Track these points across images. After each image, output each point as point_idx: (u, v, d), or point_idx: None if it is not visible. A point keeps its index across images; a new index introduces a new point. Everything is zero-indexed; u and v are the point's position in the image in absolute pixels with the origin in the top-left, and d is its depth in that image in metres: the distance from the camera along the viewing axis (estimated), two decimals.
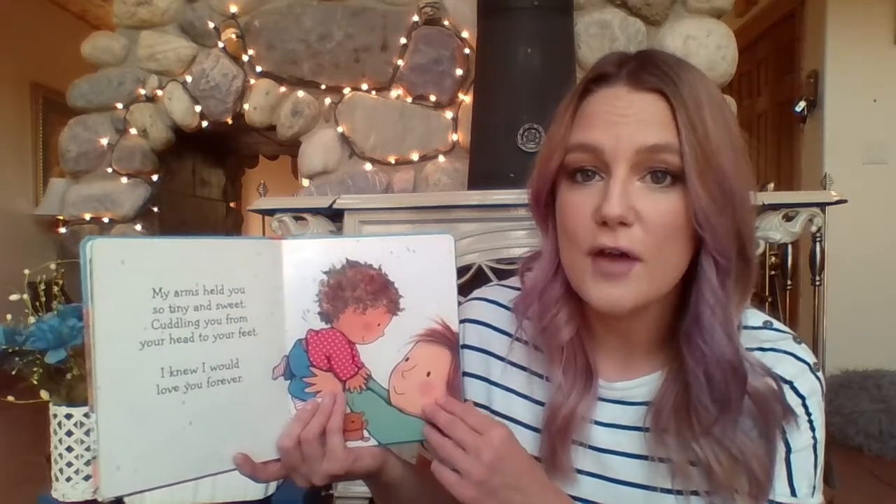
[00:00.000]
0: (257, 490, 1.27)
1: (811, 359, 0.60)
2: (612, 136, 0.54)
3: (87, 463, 1.18)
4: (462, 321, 0.71)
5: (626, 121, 0.54)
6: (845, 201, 1.58)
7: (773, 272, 1.82)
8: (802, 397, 0.59)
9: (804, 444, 0.59)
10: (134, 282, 0.53)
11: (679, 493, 0.59)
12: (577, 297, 0.61)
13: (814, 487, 0.59)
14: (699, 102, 0.54)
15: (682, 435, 0.57)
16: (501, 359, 0.69)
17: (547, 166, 0.60)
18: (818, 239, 1.63)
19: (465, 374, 0.69)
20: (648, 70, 0.55)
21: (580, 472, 0.63)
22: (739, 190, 0.55)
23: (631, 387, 0.63)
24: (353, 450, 0.62)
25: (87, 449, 1.17)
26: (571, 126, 0.58)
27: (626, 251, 0.54)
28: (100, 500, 0.53)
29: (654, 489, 0.61)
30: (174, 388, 0.55)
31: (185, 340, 0.55)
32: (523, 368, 0.67)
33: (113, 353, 0.52)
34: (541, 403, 0.65)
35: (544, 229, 0.64)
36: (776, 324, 0.63)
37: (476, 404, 0.67)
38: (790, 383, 0.59)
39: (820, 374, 0.60)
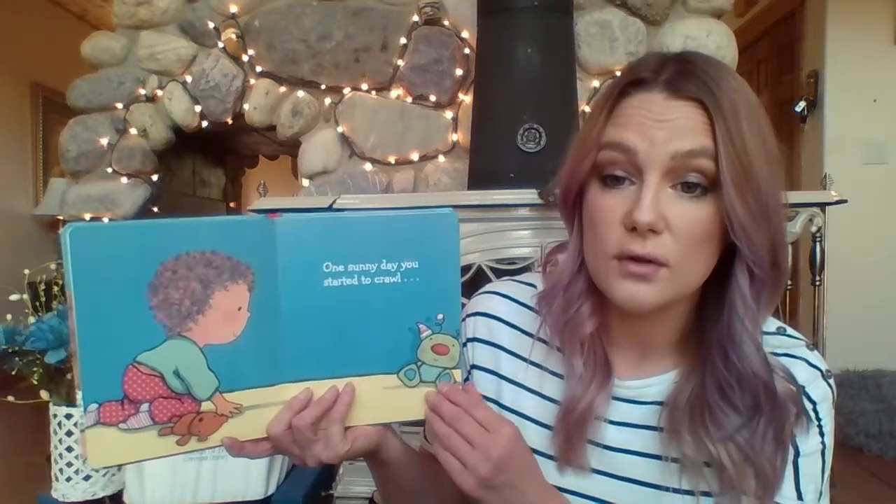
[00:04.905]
0: (257, 490, 1.27)
1: (823, 366, 0.61)
2: (646, 140, 0.54)
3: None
4: (473, 314, 0.72)
5: (662, 126, 0.54)
6: (845, 201, 1.58)
7: None
8: (814, 402, 0.59)
9: (813, 449, 0.59)
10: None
11: (689, 493, 0.59)
12: (599, 293, 0.61)
13: (820, 493, 0.60)
14: (737, 112, 0.53)
15: (697, 434, 0.58)
16: (511, 353, 0.69)
17: (580, 165, 0.59)
18: (818, 239, 1.63)
19: (475, 367, 0.71)
20: (687, 78, 0.55)
21: (591, 470, 0.64)
22: (774, 202, 0.55)
23: (643, 385, 0.64)
24: (349, 435, 0.59)
25: None
26: (605, 126, 0.58)
27: (655, 258, 0.54)
28: None
29: (664, 488, 0.61)
30: None
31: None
32: (537, 365, 0.68)
33: None
34: (552, 400, 0.66)
35: (570, 226, 0.65)
36: (789, 329, 0.64)
37: (485, 398, 0.66)
38: (802, 388, 0.59)
39: (831, 381, 0.61)
